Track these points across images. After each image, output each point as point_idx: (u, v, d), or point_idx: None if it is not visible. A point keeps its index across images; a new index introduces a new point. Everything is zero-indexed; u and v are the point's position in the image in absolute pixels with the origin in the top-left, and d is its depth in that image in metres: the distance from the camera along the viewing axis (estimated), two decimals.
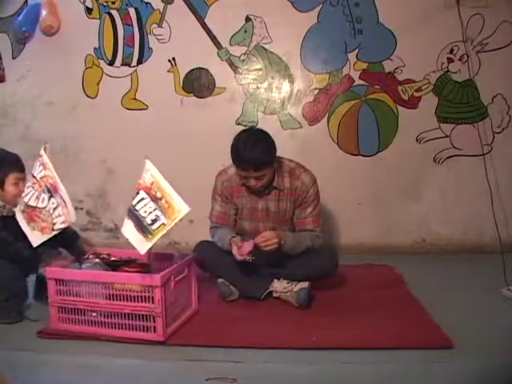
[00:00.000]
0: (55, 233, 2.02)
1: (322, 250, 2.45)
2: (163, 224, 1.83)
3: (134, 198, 1.90)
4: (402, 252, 3.25)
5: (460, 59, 3.17)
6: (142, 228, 1.86)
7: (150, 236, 1.85)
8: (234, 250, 2.26)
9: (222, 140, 3.10)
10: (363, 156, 3.31)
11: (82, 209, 3.51)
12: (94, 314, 1.98)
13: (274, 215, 2.43)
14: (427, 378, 1.72)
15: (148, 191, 1.87)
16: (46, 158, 2.01)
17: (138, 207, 1.88)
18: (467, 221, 3.28)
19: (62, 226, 2.00)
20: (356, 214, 3.33)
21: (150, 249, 1.91)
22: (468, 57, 3.14)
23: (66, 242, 2.38)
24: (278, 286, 2.35)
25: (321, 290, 2.41)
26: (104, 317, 1.97)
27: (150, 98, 3.38)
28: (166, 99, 3.35)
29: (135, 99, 3.39)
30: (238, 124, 3.27)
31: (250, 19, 3.26)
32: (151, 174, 1.88)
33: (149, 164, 1.90)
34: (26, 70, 3.45)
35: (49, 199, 2.01)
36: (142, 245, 1.87)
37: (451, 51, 3.17)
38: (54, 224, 2.01)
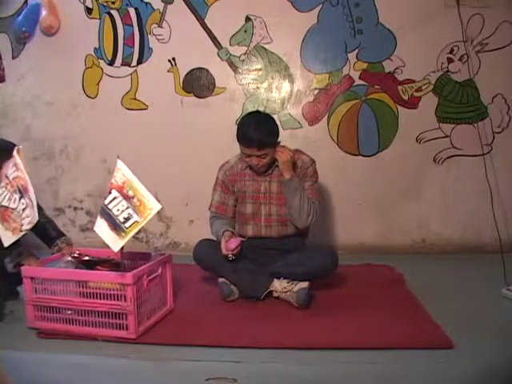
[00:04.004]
0: (23, 233, 2.05)
1: (322, 250, 2.49)
2: (136, 222, 1.88)
3: (106, 198, 1.94)
4: (402, 252, 3.25)
5: (460, 59, 3.17)
6: (115, 226, 1.90)
7: (123, 234, 1.89)
8: (222, 244, 2.33)
9: (222, 140, 3.13)
10: (363, 156, 3.31)
11: (82, 209, 3.52)
12: (69, 312, 2.01)
13: (276, 197, 2.47)
14: (427, 378, 1.72)
15: (120, 190, 1.92)
16: (18, 159, 2.04)
17: (110, 206, 1.92)
18: (467, 221, 3.28)
19: (28, 226, 2.03)
20: (356, 213, 3.33)
21: (123, 247, 1.95)
22: (468, 57, 3.14)
23: (47, 237, 2.44)
24: (278, 285, 2.35)
25: (321, 289, 2.41)
26: (79, 315, 1.99)
27: (150, 98, 3.38)
28: (166, 99, 3.36)
29: (135, 99, 3.39)
30: None
31: (250, 19, 3.26)
32: (123, 173, 1.92)
33: (120, 163, 1.94)
34: (26, 69, 3.45)
35: (19, 200, 2.04)
36: (115, 243, 1.90)
37: (451, 51, 3.17)
38: (22, 225, 2.03)
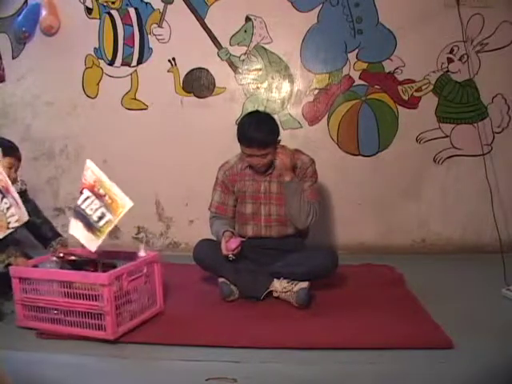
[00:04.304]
0: (10, 231, 2.09)
1: (322, 250, 2.50)
2: (110, 220, 1.89)
3: (78, 198, 1.96)
4: (402, 252, 3.25)
5: (460, 59, 3.17)
6: (90, 226, 1.92)
7: (98, 233, 1.91)
8: (222, 244, 2.33)
9: (222, 140, 3.13)
10: (363, 156, 3.31)
11: None
12: (55, 312, 2.02)
13: (276, 197, 2.47)
14: (427, 378, 1.72)
15: (92, 189, 1.93)
16: None
17: (83, 206, 1.94)
18: (467, 221, 3.28)
19: (16, 224, 2.07)
20: (356, 213, 3.33)
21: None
22: (468, 57, 3.14)
23: (43, 238, 2.50)
24: (278, 285, 2.35)
25: (321, 289, 2.41)
26: (63, 315, 2.01)
27: (150, 98, 3.38)
28: (166, 99, 3.36)
29: (135, 99, 3.39)
30: None
31: (250, 19, 3.26)
32: (92, 171, 1.94)
33: (89, 162, 1.95)
34: (26, 69, 3.45)
35: (1, 200, 2.07)
36: (91, 242, 1.92)
37: (451, 51, 3.17)
38: (8, 223, 2.07)
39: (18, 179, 2.53)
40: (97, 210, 1.91)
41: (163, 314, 2.21)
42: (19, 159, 2.50)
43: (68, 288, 1.97)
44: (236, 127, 2.42)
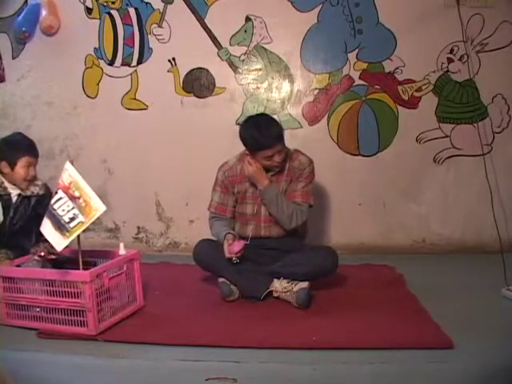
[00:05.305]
0: None
1: (322, 250, 2.49)
2: (81, 222, 1.90)
3: (52, 198, 1.98)
4: (402, 252, 3.25)
5: (460, 59, 3.17)
6: (60, 226, 1.93)
7: (67, 234, 1.92)
8: (225, 247, 2.33)
9: (222, 140, 3.13)
10: (363, 156, 3.31)
11: None
12: (38, 310, 2.05)
13: None
14: (427, 377, 1.72)
15: (66, 191, 1.94)
16: None
17: (55, 206, 1.95)
18: (467, 221, 3.28)
19: None
20: (356, 214, 3.33)
21: (67, 246, 1.99)
22: (468, 57, 3.14)
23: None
24: (278, 285, 2.35)
25: (321, 290, 2.41)
26: (45, 312, 2.04)
27: (150, 98, 3.38)
28: (166, 99, 3.36)
29: (135, 99, 3.39)
30: (238, 124, 3.26)
31: (250, 19, 3.26)
32: (69, 173, 1.95)
33: (68, 165, 1.97)
34: (26, 70, 3.45)
35: None
36: (58, 242, 1.93)
37: (451, 51, 3.17)
38: None
39: (38, 182, 2.57)
40: (69, 211, 1.92)
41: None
42: (37, 156, 2.52)
43: (49, 286, 2.00)
44: (236, 127, 2.43)
